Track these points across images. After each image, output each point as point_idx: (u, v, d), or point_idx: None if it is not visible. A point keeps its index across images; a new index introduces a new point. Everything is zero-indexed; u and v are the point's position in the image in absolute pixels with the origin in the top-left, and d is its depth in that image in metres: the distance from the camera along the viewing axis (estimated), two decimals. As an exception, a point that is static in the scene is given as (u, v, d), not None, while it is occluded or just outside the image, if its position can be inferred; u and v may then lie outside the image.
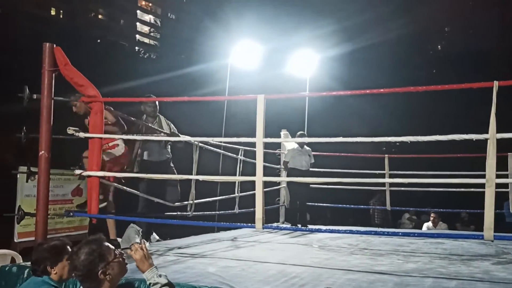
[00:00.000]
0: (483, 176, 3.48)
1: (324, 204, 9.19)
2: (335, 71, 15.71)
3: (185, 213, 5.53)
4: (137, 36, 55.27)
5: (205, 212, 6.33)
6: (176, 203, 5.44)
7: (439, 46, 21.80)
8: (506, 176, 7.26)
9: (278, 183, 8.06)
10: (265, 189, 4.18)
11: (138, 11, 60.81)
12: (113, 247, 2.35)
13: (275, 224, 7.83)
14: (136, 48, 37.65)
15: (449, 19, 20.04)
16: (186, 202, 5.57)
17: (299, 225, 7.48)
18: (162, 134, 5.41)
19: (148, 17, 59.88)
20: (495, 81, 3.41)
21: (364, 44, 17.65)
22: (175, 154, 5.78)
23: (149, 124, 5.38)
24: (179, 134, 5.51)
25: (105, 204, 4.93)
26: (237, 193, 6.66)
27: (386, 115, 16.29)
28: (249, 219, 4.61)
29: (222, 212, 6.93)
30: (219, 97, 10.15)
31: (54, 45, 4.33)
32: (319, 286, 3.28)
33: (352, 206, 9.71)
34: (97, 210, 4.34)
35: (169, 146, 5.58)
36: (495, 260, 4.69)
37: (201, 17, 24.25)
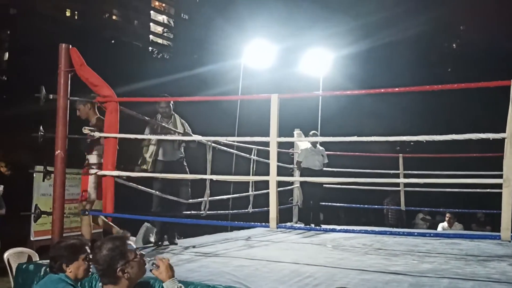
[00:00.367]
0: (500, 176, 3.44)
1: (338, 204, 9.15)
2: (349, 70, 15.61)
3: (199, 211, 5.55)
4: (151, 37, 55.65)
5: (219, 212, 6.35)
6: (189, 201, 5.46)
7: (454, 45, 21.54)
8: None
9: (291, 183, 8.05)
10: (278, 189, 4.18)
11: (151, 12, 61.19)
12: (135, 246, 2.37)
13: (288, 224, 7.81)
14: (150, 48, 37.89)
15: (465, 17, 19.81)
16: (200, 199, 5.57)
17: (313, 225, 7.46)
18: (176, 133, 5.44)
19: (162, 18, 60.24)
20: (512, 80, 3.36)
21: (379, 43, 17.49)
22: (188, 154, 5.79)
23: (163, 124, 5.41)
24: (192, 134, 5.53)
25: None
26: (251, 191, 6.67)
27: (400, 115, 16.15)
28: (262, 219, 4.62)
29: (235, 211, 6.94)
30: (233, 97, 10.16)
31: (70, 46, 4.37)
32: (333, 286, 3.27)
33: (365, 206, 9.64)
34: (112, 209, 4.37)
35: (182, 147, 5.58)
36: (512, 261, 4.63)
37: (214, 16, 24.31)
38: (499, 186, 3.46)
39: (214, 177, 4.79)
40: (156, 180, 5.20)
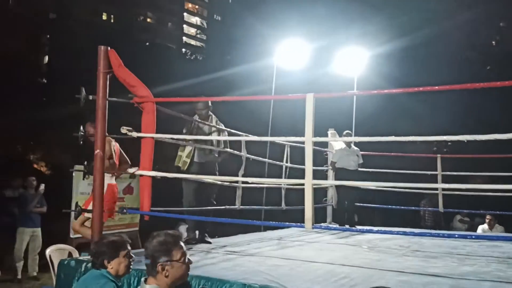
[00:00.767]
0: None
1: (373, 205, 9.01)
2: (384, 69, 15.34)
3: (232, 206, 5.59)
4: (184, 38, 56.35)
5: (252, 206, 6.35)
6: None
7: (493, 42, 20.85)
8: None
9: (325, 181, 7.97)
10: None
11: (184, 14, 61.96)
12: (185, 250, 2.39)
13: (323, 225, 7.75)
14: (183, 50, 38.40)
15: (504, 13, 19.15)
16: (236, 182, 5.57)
17: (347, 226, 7.38)
18: (211, 135, 5.49)
19: (195, 19, 60.91)
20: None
21: (415, 41, 17.10)
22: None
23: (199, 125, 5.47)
24: (227, 135, 5.57)
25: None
26: (283, 189, 6.65)
27: (436, 114, 15.76)
28: (296, 218, 4.60)
29: (269, 207, 6.92)
30: (268, 97, 10.13)
31: (109, 48, 4.47)
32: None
33: (401, 207, 9.42)
34: (149, 208, 4.45)
35: (217, 149, 5.58)
36: (558, 265, 4.44)
37: (247, 17, 24.40)
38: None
39: (250, 180, 4.82)
40: (188, 180, 5.27)
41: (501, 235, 7.48)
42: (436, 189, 8.08)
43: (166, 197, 5.57)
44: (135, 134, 4.45)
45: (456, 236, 5.54)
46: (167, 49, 34.02)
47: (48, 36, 34.35)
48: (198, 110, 5.47)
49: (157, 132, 4.52)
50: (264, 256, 4.55)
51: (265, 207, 7.02)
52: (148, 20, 54.62)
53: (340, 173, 7.42)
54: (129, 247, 2.89)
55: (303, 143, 4.08)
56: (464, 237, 5.98)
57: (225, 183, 5.56)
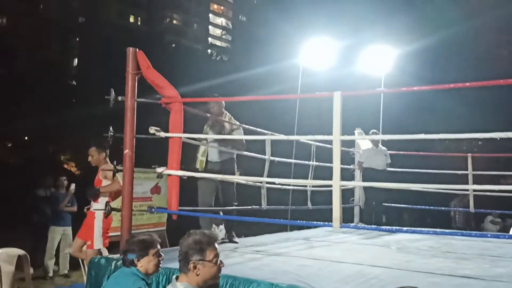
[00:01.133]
0: None
1: (401, 205, 8.84)
2: (413, 68, 15.10)
3: (258, 206, 5.58)
4: (209, 39, 56.72)
5: (278, 207, 6.33)
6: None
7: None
8: None
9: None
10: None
11: (210, 15, 62.36)
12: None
13: (351, 225, 7.66)
14: (209, 51, 38.64)
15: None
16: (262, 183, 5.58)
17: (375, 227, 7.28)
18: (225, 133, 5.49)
19: (220, 20, 61.22)
20: None
21: (446, 39, 16.76)
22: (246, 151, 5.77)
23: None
24: (240, 131, 5.56)
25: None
26: (309, 186, 6.59)
27: (468, 113, 15.41)
28: (322, 219, 4.56)
29: (295, 207, 6.89)
30: (294, 96, 10.08)
31: (137, 50, 4.53)
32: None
33: (431, 207, 9.21)
34: (177, 207, 4.49)
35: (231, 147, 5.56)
36: None
37: (272, 17, 24.41)
38: None
39: (277, 180, 4.80)
40: (202, 180, 5.31)
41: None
42: (467, 189, 7.88)
43: (191, 197, 5.61)
44: (163, 134, 4.49)
45: (489, 236, 5.37)
46: (193, 50, 34.34)
47: (78, 39, 35.14)
48: (211, 108, 5.49)
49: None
50: (291, 256, 4.54)
51: (291, 207, 6.98)
52: (174, 22, 55.21)
53: (368, 173, 7.34)
54: (158, 246, 2.92)
55: (330, 143, 4.04)
56: (497, 237, 5.80)
57: (249, 183, 5.56)
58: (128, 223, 4.30)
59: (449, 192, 9.04)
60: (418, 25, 17.70)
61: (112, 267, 3.86)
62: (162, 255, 2.96)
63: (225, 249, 4.83)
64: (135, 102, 4.41)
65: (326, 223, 4.14)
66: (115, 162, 4.65)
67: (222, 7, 64.12)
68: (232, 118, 5.62)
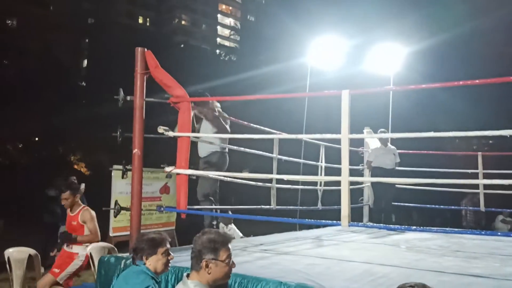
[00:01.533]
0: None
1: (411, 205, 8.77)
2: (422, 67, 15.00)
3: (268, 206, 5.59)
4: (218, 39, 56.84)
5: (288, 207, 6.33)
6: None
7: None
8: None
9: (361, 182, 7.85)
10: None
11: (218, 15, 62.50)
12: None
13: (360, 224, 7.62)
14: (217, 51, 38.73)
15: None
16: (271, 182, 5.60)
17: (384, 226, 7.25)
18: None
19: (228, 20, 61.33)
20: None
21: (456, 38, 16.63)
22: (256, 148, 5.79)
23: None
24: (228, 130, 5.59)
25: None
26: (319, 186, 6.59)
27: (477, 111, 15.29)
28: (331, 219, 4.55)
29: (304, 207, 6.88)
30: (303, 94, 10.05)
31: (145, 49, 4.55)
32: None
33: (441, 206, 9.12)
34: (186, 206, 4.50)
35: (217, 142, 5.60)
36: None
37: (280, 17, 24.40)
38: None
39: (285, 177, 4.79)
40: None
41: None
42: (477, 186, 7.79)
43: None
44: (171, 134, 4.51)
45: (499, 234, 5.32)
46: (202, 50, 34.43)
47: (87, 40, 35.36)
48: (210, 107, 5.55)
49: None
50: (300, 255, 4.53)
51: (301, 207, 6.98)
52: (183, 22, 55.43)
53: (377, 172, 7.30)
54: (168, 245, 2.93)
55: (338, 143, 4.03)
56: (508, 235, 5.73)
57: (258, 183, 5.57)
58: (137, 222, 4.32)
59: (459, 192, 8.96)
60: (428, 24, 17.60)
61: (122, 265, 3.88)
62: (172, 254, 2.96)
63: (234, 247, 4.83)
64: (144, 102, 4.43)
65: (335, 221, 4.13)
66: (123, 162, 4.67)
67: (230, 8, 64.23)
68: (226, 116, 5.66)
